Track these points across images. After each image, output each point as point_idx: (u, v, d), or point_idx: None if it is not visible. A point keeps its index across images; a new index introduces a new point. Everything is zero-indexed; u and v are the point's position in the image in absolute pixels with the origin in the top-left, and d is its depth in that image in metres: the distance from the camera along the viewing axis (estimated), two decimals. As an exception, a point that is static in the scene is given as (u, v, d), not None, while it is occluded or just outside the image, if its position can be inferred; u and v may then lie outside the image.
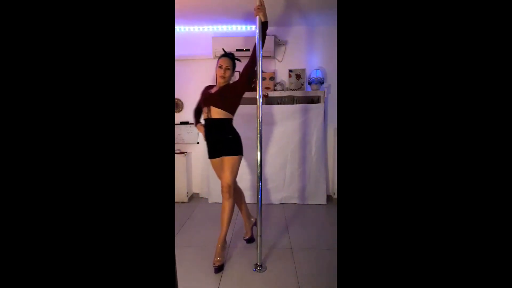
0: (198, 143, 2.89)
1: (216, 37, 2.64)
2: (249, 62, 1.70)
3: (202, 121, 1.83)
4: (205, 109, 1.74)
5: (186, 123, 2.84)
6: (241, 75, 1.74)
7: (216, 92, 1.74)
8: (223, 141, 1.74)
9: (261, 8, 1.55)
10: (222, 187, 1.74)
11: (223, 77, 1.71)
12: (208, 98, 1.75)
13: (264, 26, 1.59)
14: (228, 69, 1.71)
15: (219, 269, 1.64)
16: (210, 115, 1.72)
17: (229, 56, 1.74)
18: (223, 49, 1.85)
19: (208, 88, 1.82)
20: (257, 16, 1.55)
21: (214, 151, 1.78)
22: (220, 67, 1.71)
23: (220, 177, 1.79)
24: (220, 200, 2.75)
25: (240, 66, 1.77)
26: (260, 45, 1.55)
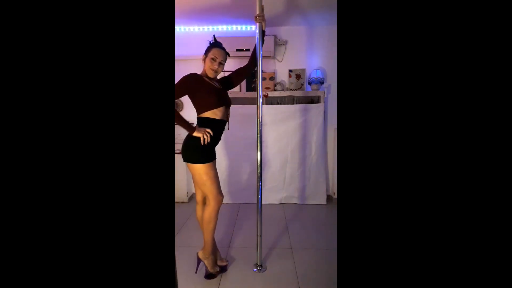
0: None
1: (216, 37, 2.64)
2: (249, 63, 1.65)
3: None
4: (221, 109, 1.49)
5: (186, 123, 2.84)
6: (239, 75, 1.66)
7: (223, 89, 1.57)
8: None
9: (263, 16, 1.52)
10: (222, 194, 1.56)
11: (215, 72, 1.50)
12: (223, 96, 1.53)
13: (262, 34, 1.56)
14: (222, 64, 1.51)
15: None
16: (227, 117, 1.54)
17: (223, 49, 1.54)
18: (213, 35, 1.62)
19: (201, 77, 1.49)
20: (258, 23, 1.53)
21: (213, 152, 1.55)
22: (214, 59, 1.48)
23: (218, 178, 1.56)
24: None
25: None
26: (261, 50, 1.54)
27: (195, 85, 1.45)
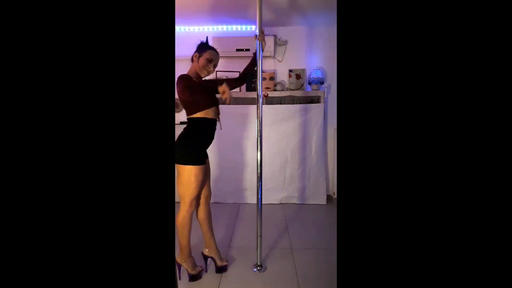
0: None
1: (216, 37, 2.64)
2: (241, 78, 1.67)
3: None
4: (213, 109, 1.49)
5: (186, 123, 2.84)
6: (231, 84, 1.65)
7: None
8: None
9: (263, 36, 1.55)
10: (210, 196, 1.64)
11: (209, 73, 1.53)
12: (213, 95, 1.52)
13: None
14: (215, 66, 1.54)
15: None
16: (218, 117, 1.54)
17: (218, 52, 1.55)
18: (207, 37, 1.63)
19: (191, 78, 1.48)
20: (257, 41, 1.55)
21: (204, 154, 1.56)
22: (210, 61, 1.49)
23: (205, 183, 1.58)
24: (218, 200, 2.78)
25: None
26: (261, 72, 1.57)
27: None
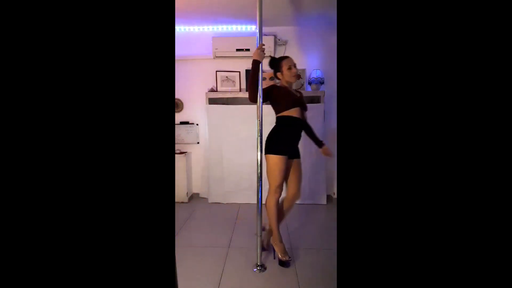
0: (198, 143, 2.89)
1: (216, 37, 2.64)
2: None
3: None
4: (296, 110, 1.73)
5: (186, 123, 2.84)
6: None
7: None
8: None
9: (263, 49, 1.61)
10: (297, 196, 1.78)
11: (297, 76, 1.74)
12: (297, 99, 1.76)
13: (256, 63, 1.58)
14: (295, 66, 1.74)
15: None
16: (303, 116, 1.79)
17: (286, 56, 1.75)
18: (272, 56, 1.79)
19: (278, 86, 1.75)
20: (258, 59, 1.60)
21: (287, 150, 1.72)
22: (290, 68, 1.68)
23: (287, 175, 1.74)
24: (218, 200, 2.79)
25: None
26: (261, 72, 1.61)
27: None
